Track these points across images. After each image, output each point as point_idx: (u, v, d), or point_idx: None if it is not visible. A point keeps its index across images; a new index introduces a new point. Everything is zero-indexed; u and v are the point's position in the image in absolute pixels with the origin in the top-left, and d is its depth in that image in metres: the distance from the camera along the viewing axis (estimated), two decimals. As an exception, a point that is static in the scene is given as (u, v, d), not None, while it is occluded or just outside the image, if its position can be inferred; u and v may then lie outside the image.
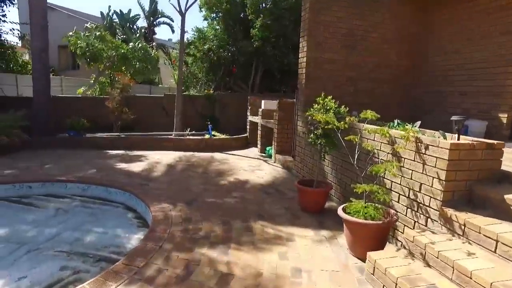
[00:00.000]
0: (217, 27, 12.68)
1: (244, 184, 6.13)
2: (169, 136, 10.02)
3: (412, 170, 3.44)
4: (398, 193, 3.68)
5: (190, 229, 4.06)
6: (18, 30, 11.20)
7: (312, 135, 4.56)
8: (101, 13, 24.17)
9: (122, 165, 7.31)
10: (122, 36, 19.71)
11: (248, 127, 10.75)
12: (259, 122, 9.40)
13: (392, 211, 3.52)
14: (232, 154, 9.05)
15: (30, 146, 8.80)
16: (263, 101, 9.39)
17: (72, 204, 5.61)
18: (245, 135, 10.65)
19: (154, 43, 21.56)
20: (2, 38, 10.53)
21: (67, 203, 5.64)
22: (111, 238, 4.35)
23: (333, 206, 5.01)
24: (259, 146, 9.49)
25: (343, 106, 4.43)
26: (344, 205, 3.68)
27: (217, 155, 8.85)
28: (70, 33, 11.68)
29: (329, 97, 4.59)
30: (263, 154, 9.12)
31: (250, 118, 10.53)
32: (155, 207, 4.74)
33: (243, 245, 3.69)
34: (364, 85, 6.80)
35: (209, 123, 10.48)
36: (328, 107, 4.40)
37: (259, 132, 9.47)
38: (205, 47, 11.97)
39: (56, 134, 9.59)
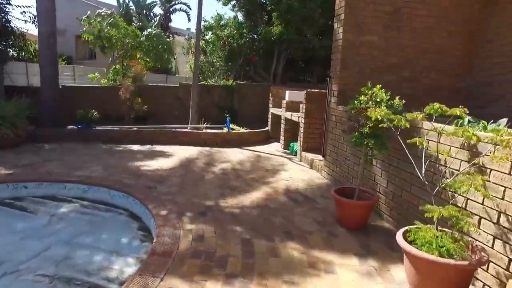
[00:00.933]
0: (238, 12, 11.76)
1: (267, 189, 5.27)
2: (184, 130, 9.25)
3: (505, 187, 2.48)
4: (478, 215, 2.72)
5: (202, 251, 3.23)
6: (30, 12, 10.60)
7: (355, 133, 3.63)
8: (117, 0, 23.61)
9: (131, 162, 6.58)
10: (138, 24, 19.06)
11: (269, 120, 9.84)
12: (283, 115, 8.47)
13: (477, 243, 2.57)
14: (252, 151, 8.19)
15: (36, 139, 8.21)
16: (287, 92, 8.45)
17: (70, 209, 4.89)
18: (266, 128, 9.76)
19: (170, 31, 20.79)
20: (12, 25, 9.95)
21: (65, 207, 4.93)
22: (107, 257, 3.58)
23: (378, 221, 4.08)
24: (282, 141, 8.59)
25: (397, 98, 3.47)
26: (405, 229, 2.75)
27: (235, 152, 8.01)
28: (84, 17, 10.99)
29: (378, 86, 3.63)
30: (287, 151, 8.22)
31: (272, 110, 9.62)
32: (161, 218, 3.94)
33: (268, 278, 2.83)
34: (407, 73, 5.75)
35: (227, 115, 9.64)
36: (377, 99, 3.45)
37: (282, 126, 8.55)
38: (223, 33, 11.06)
39: (65, 126, 8.98)
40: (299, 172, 6.35)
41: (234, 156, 7.51)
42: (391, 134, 3.38)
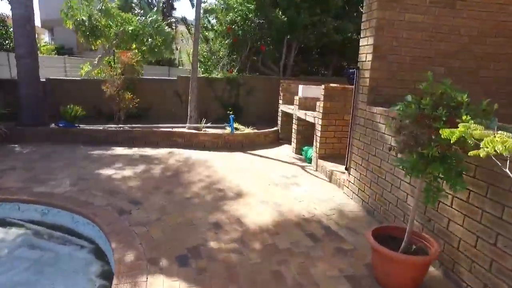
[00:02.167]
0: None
1: (275, 214, 4.04)
2: (181, 130, 8.06)
3: None
4: None
5: None
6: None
7: (412, 154, 2.35)
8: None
9: (111, 172, 5.41)
10: (139, 12, 17.85)
11: (279, 118, 8.58)
12: (295, 113, 7.20)
13: None
14: (258, 156, 6.95)
15: (12, 139, 7.12)
16: (301, 87, 7.16)
17: (18, 239, 3.76)
18: (275, 128, 8.50)
19: (172, 19, 19.52)
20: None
21: (12, 236, 3.81)
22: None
23: (435, 279, 2.81)
24: (293, 144, 7.33)
25: (485, 102, 2.17)
26: None
27: (238, 157, 6.78)
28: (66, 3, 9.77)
29: (447, 81, 2.35)
30: (299, 157, 6.96)
31: (282, 107, 8.34)
32: (124, 268, 2.75)
33: None
34: (462, 63, 4.41)
35: (231, 113, 8.40)
36: (453, 103, 2.17)
37: (294, 126, 7.29)
38: (227, 18, 9.76)
39: (49, 124, 7.87)
40: (315, 187, 5.09)
41: (236, 163, 6.28)
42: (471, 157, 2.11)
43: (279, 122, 8.59)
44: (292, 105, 7.63)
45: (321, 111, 5.82)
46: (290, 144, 7.75)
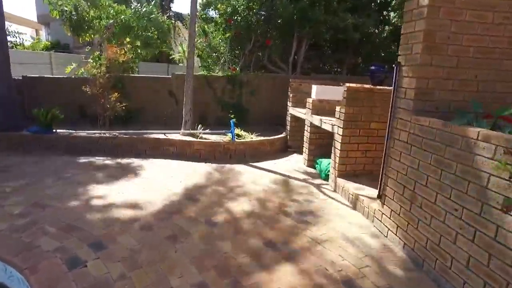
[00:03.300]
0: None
1: (288, 273, 2.90)
2: (174, 136, 6.95)
3: None
4: None
5: None
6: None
7: None
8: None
9: (79, 194, 4.30)
10: (136, 5, 16.74)
11: (288, 122, 7.42)
12: (307, 118, 6.05)
13: None
14: (263, 170, 5.81)
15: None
16: (314, 87, 6.00)
17: None
18: (283, 135, 7.34)
19: (171, 13, 18.37)
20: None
21: None
22: None
23: None
24: (305, 154, 6.18)
25: None
26: None
27: (240, 171, 5.65)
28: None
29: None
30: (312, 171, 5.82)
31: (291, 110, 7.18)
32: None
33: None
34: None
35: (232, 116, 7.27)
36: None
37: (306, 133, 6.14)
38: (228, 9, 8.60)
39: (24, 129, 6.81)
40: (338, 221, 3.93)
41: (236, 180, 5.15)
42: None
43: (287, 127, 7.43)
44: (303, 108, 6.48)
45: (342, 118, 4.66)
46: (300, 154, 6.60)
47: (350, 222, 3.87)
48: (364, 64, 10.13)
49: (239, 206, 4.16)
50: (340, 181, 4.73)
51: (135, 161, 5.94)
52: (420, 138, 3.01)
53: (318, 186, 5.05)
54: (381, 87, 5.03)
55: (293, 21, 8.51)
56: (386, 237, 3.52)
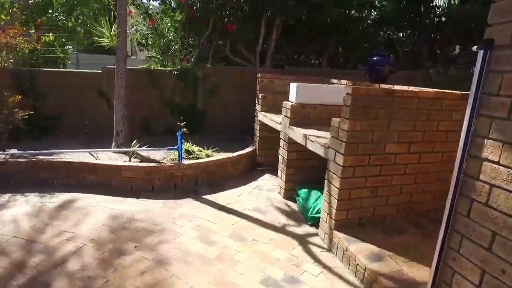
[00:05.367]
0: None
1: None
2: (103, 153, 4.94)
3: None
4: None
5: None
6: None
7: None
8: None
9: None
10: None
11: (257, 132, 5.60)
12: (284, 131, 4.24)
13: None
14: (222, 209, 3.96)
15: None
16: (294, 86, 4.16)
17: None
18: (250, 149, 5.49)
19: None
20: None
21: None
22: None
23: None
24: (281, 180, 4.39)
25: None
26: None
27: (183, 213, 3.76)
28: None
29: None
30: (292, 205, 4.04)
31: (260, 116, 5.34)
32: None
33: None
34: None
35: (181, 124, 5.33)
36: None
37: (283, 151, 4.34)
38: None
39: None
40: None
41: (171, 242, 3.25)
42: None
43: (256, 136, 5.59)
44: (277, 113, 4.68)
45: (344, 139, 2.87)
46: (274, 175, 4.82)
47: None
48: (349, 55, 8.45)
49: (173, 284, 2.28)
50: (340, 237, 2.97)
51: (32, 200, 3.89)
52: None
53: (303, 242, 3.26)
54: (388, 86, 3.33)
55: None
56: None
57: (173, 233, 3.31)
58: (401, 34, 9.26)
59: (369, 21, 8.92)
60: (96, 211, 3.72)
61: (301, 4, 6.80)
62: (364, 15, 8.64)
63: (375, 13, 9.06)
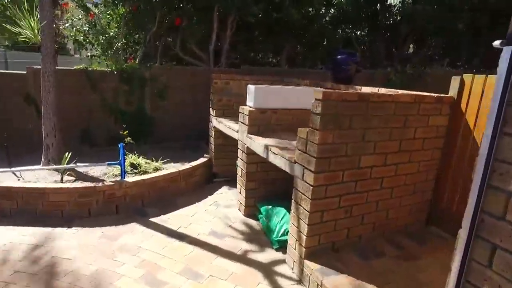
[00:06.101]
0: None
1: None
2: (29, 172, 4.12)
3: None
4: None
5: None
6: None
7: None
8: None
9: None
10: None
11: (212, 140, 5.03)
12: (242, 140, 3.72)
13: None
14: (170, 233, 3.37)
15: None
16: (252, 88, 3.64)
17: None
18: (206, 159, 4.91)
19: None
20: None
21: None
22: None
23: None
24: (241, 196, 3.87)
25: None
26: None
27: (125, 245, 3.12)
28: None
29: None
30: (253, 224, 3.54)
31: (215, 122, 4.78)
32: None
33: None
34: None
35: (124, 133, 4.62)
36: None
37: (241, 163, 3.82)
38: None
39: None
40: None
41: (109, 276, 2.62)
42: None
43: (211, 145, 5.03)
44: (234, 118, 4.17)
45: (314, 154, 2.41)
46: (233, 186, 4.30)
47: None
48: (308, 53, 8.12)
49: None
50: (312, 268, 2.51)
51: None
52: None
53: (270, 273, 2.76)
54: (358, 87, 2.95)
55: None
56: None
57: (110, 276, 2.66)
58: (358, 33, 9.13)
59: (327, 19, 8.67)
60: (11, 250, 2.96)
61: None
62: (321, 12, 8.36)
63: (333, 11, 8.83)
